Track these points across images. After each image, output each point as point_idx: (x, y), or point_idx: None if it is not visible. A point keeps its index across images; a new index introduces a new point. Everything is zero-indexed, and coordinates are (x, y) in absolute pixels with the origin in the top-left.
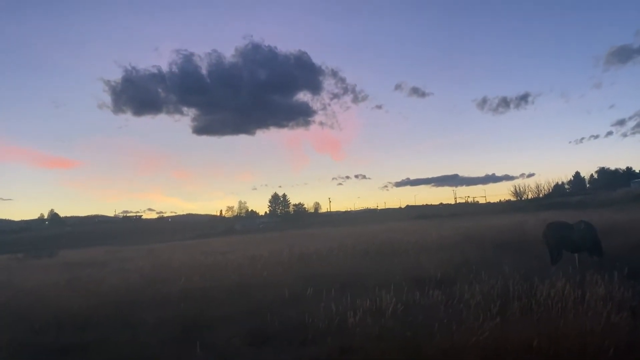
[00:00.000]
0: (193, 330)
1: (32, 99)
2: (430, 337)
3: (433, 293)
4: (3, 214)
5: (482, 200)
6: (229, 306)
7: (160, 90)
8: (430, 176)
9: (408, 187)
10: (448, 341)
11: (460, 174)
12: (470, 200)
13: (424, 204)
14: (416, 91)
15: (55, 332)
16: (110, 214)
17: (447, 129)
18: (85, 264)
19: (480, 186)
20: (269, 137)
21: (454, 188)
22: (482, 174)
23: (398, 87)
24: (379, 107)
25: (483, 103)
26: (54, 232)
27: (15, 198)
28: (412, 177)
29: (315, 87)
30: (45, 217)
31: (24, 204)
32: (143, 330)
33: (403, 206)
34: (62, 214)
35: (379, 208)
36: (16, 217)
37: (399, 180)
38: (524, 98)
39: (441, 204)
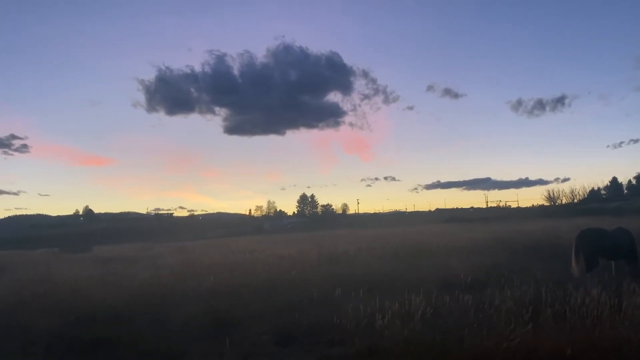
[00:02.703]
0: (222, 326)
1: (70, 97)
2: (460, 342)
3: (463, 297)
4: (41, 209)
5: (514, 205)
6: (258, 304)
7: (192, 90)
8: (461, 179)
9: (438, 190)
10: (478, 346)
11: (493, 177)
12: (502, 204)
13: (455, 207)
14: (449, 92)
15: (89, 325)
16: (143, 211)
17: (480, 132)
18: (118, 260)
19: (512, 190)
20: (299, 138)
21: (485, 192)
22: (515, 178)
23: (430, 88)
24: (410, 108)
25: (518, 105)
26: (88, 227)
27: (53, 194)
28: (442, 180)
29: (346, 88)
30: (81, 213)
31: (60, 200)
32: (174, 325)
33: (433, 209)
34: (96, 210)
35: (408, 211)
36: (53, 212)
37: (429, 182)
38: (560, 100)
39: (472, 207)
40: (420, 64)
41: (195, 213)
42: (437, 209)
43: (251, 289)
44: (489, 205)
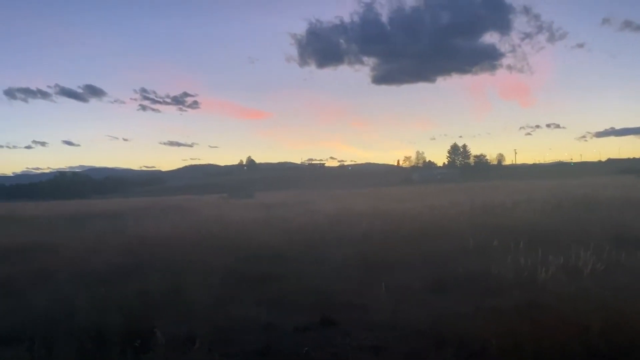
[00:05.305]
0: (374, 269)
1: (231, 55)
2: (635, 301)
3: None
4: (211, 160)
5: None
6: (408, 252)
7: (342, 41)
8: None
9: (612, 138)
10: None
11: None
12: None
13: (631, 157)
14: (629, 25)
15: (255, 262)
16: (297, 161)
17: None
18: (277, 205)
19: None
20: (450, 84)
21: None
22: None
23: (606, 21)
24: (580, 45)
25: None
26: (250, 176)
27: (220, 145)
28: (617, 127)
29: (503, 27)
30: (244, 163)
31: (227, 151)
32: (330, 265)
33: (604, 160)
34: (257, 161)
35: (573, 161)
36: (221, 162)
37: (600, 130)
38: None
39: None
40: None
41: (345, 163)
42: (609, 160)
43: (402, 237)
44: None
